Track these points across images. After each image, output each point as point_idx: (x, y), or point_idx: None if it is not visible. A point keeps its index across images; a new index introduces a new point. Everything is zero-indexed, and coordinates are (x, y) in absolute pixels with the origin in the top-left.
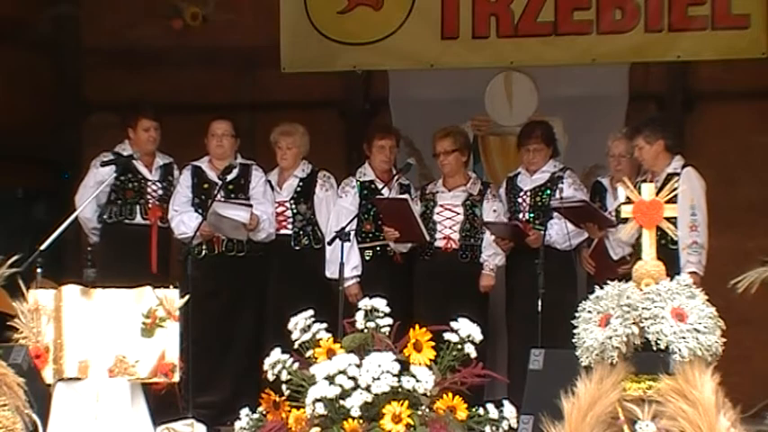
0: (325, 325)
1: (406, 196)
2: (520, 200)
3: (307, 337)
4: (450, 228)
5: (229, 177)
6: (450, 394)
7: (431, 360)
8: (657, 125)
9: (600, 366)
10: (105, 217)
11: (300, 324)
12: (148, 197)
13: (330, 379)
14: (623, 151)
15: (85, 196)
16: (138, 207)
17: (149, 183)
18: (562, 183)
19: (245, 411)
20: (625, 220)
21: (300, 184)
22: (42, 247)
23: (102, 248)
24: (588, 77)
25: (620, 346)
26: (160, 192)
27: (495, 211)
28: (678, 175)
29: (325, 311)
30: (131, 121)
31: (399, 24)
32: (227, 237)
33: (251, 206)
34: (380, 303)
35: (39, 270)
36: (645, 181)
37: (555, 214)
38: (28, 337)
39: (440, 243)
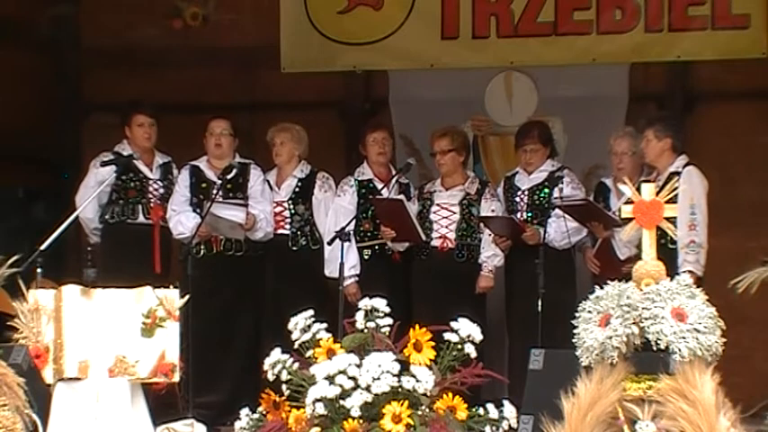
0: (325, 325)
1: (401, 197)
2: (518, 199)
3: (307, 337)
4: (446, 227)
5: (228, 176)
6: (450, 394)
7: (431, 360)
8: (670, 123)
9: (600, 366)
10: (107, 217)
11: (300, 324)
12: (150, 196)
13: (330, 379)
14: (626, 149)
15: (86, 196)
16: (140, 207)
17: (151, 182)
18: (562, 183)
19: (245, 411)
20: (627, 220)
21: (299, 184)
22: (42, 247)
23: (105, 249)
24: (588, 77)
25: (620, 346)
26: (161, 191)
27: (493, 210)
28: (680, 174)
29: (324, 311)
30: (127, 118)
31: (399, 24)
32: (224, 237)
33: (247, 206)
34: (380, 303)
35: (39, 270)
36: (648, 181)
37: (554, 212)
38: (28, 337)
39: (436, 242)
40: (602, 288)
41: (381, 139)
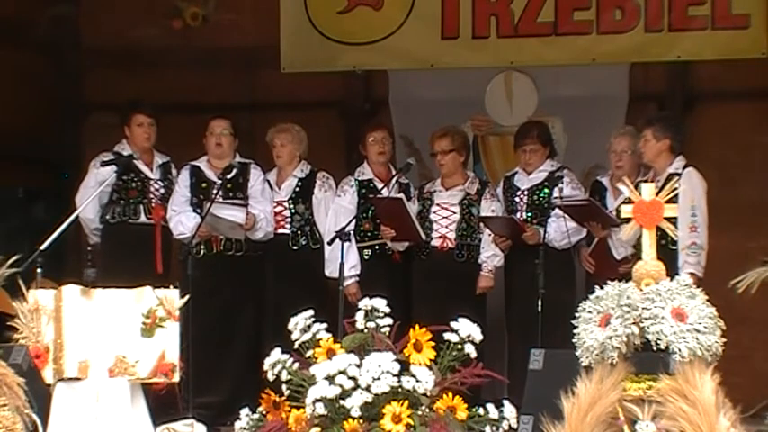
0: (325, 325)
1: (401, 195)
2: (517, 199)
3: (307, 337)
4: (446, 227)
5: (228, 176)
6: (450, 394)
7: (431, 360)
8: (670, 123)
9: (600, 366)
10: (108, 217)
11: (300, 324)
12: (151, 196)
13: (330, 379)
14: (625, 147)
15: (86, 196)
16: (141, 207)
17: (152, 182)
18: (562, 183)
19: (245, 411)
20: (626, 220)
21: (299, 184)
22: (42, 247)
23: (105, 249)
24: (588, 77)
25: (620, 346)
26: (162, 191)
27: (493, 210)
28: (679, 175)
29: (324, 311)
30: (126, 118)
31: (399, 24)
32: (225, 237)
33: (246, 206)
34: (380, 303)
35: (39, 270)
36: (645, 181)
37: (553, 212)
38: (28, 337)
39: (436, 242)
40: (599, 287)
41: (381, 139)
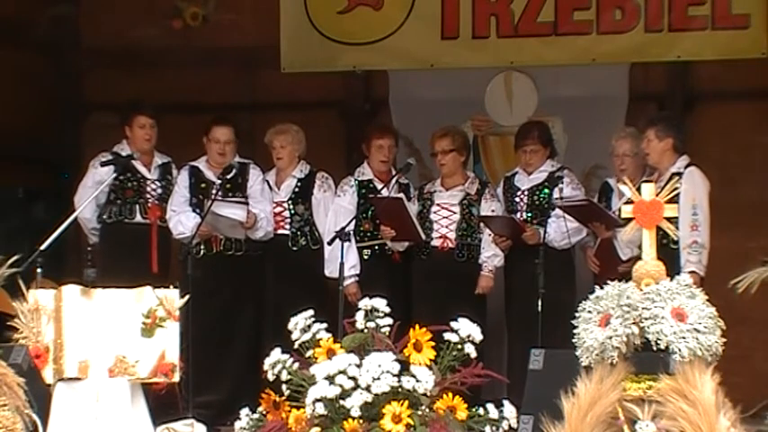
0: (325, 325)
1: (401, 195)
2: (517, 199)
3: (307, 337)
4: (446, 227)
5: (227, 177)
6: (450, 394)
7: (431, 360)
8: (672, 123)
9: (600, 366)
10: (105, 217)
11: (300, 324)
12: (147, 196)
13: (330, 379)
14: (627, 150)
15: (85, 196)
16: (137, 206)
17: (148, 182)
18: (562, 183)
19: (245, 411)
20: (628, 220)
21: (299, 184)
22: (42, 247)
23: (103, 248)
24: (588, 77)
25: (620, 346)
26: (159, 191)
27: (493, 210)
28: (681, 174)
29: (324, 311)
30: (127, 119)
31: (399, 24)
32: (225, 236)
33: (247, 204)
34: (380, 303)
35: (39, 270)
36: (649, 181)
37: (553, 212)
38: (28, 337)
39: (436, 242)
40: (601, 288)
41: (387, 147)
